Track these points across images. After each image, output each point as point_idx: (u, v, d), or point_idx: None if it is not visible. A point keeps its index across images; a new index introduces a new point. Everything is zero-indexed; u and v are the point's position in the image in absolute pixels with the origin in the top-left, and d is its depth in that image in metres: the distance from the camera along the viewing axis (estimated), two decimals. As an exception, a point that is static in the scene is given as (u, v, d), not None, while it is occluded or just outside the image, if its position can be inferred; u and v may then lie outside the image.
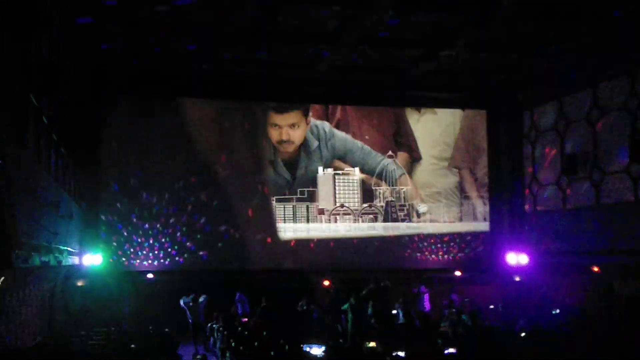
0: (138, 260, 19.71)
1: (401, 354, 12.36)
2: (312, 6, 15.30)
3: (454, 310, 17.38)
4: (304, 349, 12.81)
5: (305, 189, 21.11)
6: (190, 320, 17.61)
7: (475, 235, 22.09)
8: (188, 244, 20.12)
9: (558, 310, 17.71)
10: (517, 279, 21.09)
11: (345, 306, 17.10)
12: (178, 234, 20.04)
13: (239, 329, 16.15)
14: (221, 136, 20.67)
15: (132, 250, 19.71)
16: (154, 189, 19.95)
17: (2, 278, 8.32)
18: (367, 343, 13.63)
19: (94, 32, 16.22)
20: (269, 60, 18.89)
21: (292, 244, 20.92)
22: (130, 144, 19.89)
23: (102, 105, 19.55)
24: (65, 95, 12.91)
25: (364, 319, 16.87)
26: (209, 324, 17.53)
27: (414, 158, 22.06)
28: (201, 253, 20.20)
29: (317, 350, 12.80)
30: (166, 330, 15.65)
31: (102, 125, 19.55)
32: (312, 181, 21.17)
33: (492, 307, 18.94)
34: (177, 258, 20.02)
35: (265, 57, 18.55)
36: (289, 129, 20.96)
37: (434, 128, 22.28)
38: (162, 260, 19.87)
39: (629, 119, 16.91)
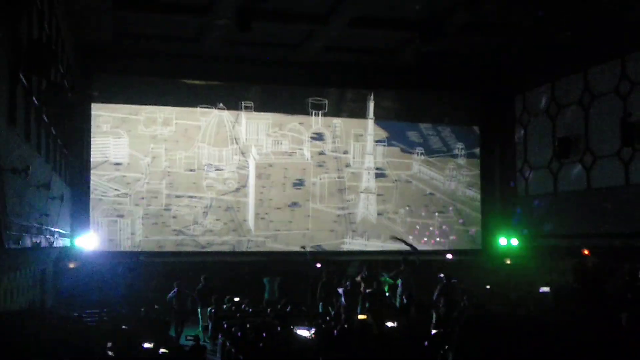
0: (129, 242, 19.72)
1: (392, 324, 12.52)
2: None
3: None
4: (295, 330, 12.87)
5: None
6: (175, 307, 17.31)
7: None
8: (180, 224, 20.11)
9: (547, 289, 17.87)
10: (508, 261, 21.20)
11: (340, 290, 17.17)
12: (170, 215, 20.02)
13: (232, 309, 16.21)
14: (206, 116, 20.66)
15: (123, 231, 19.70)
16: (145, 170, 19.91)
17: (-7, 259, 8.31)
18: (358, 316, 13.74)
19: (84, 12, 16.13)
20: (259, 40, 18.81)
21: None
22: (120, 124, 19.82)
23: (92, 86, 19.49)
24: (56, 75, 12.84)
25: (357, 301, 17.00)
26: (209, 308, 17.44)
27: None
28: (191, 234, 20.22)
29: (306, 332, 12.86)
30: (157, 308, 15.68)
31: (92, 105, 19.50)
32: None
33: (488, 287, 19.11)
34: (168, 240, 20.02)
35: (255, 38, 18.44)
36: None
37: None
38: (153, 242, 19.88)
39: (620, 103, 16.95)
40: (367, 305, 16.19)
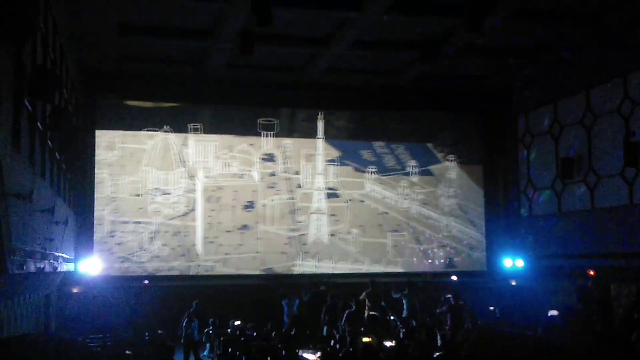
0: (134, 266, 19.67)
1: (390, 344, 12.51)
2: (305, 9, 15.38)
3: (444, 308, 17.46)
4: (300, 354, 12.80)
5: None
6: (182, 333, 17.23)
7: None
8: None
9: (556, 312, 17.75)
10: (514, 283, 21.10)
11: (345, 313, 17.14)
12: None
13: (237, 333, 16.13)
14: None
15: (127, 256, 19.67)
16: (150, 194, 19.92)
17: (-3, 284, 8.29)
18: (362, 338, 13.68)
19: (88, 37, 16.26)
20: (261, 64, 18.90)
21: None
22: (125, 149, 19.87)
23: (96, 110, 19.59)
24: (60, 100, 12.90)
25: (362, 323, 16.96)
26: (206, 330, 17.44)
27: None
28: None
29: (312, 356, 12.78)
30: (160, 333, 15.61)
31: (96, 130, 19.58)
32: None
33: (491, 308, 19.00)
34: (173, 264, 19.96)
35: (257, 61, 18.53)
36: None
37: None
38: (158, 266, 19.83)
39: (623, 123, 16.96)
40: (370, 327, 16.12)
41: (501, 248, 21.70)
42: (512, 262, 21.03)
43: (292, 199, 21.11)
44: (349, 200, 21.55)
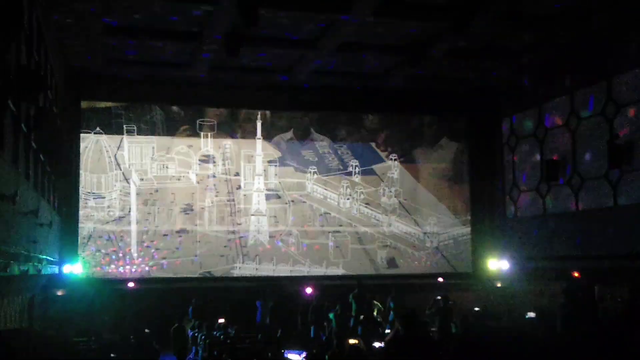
0: (118, 269, 19.56)
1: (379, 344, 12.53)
2: (291, 12, 15.36)
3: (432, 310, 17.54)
4: (285, 354, 12.79)
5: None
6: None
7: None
8: (166, 251, 19.89)
9: (533, 315, 17.86)
10: (499, 284, 21.18)
11: (331, 315, 17.17)
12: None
13: (221, 336, 16.09)
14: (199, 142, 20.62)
15: (112, 258, 19.55)
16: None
17: (-20, 286, 8.21)
18: (348, 340, 13.70)
19: (73, 39, 16.16)
20: (248, 65, 18.87)
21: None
22: (110, 151, 19.73)
23: (81, 113, 19.46)
24: (44, 101, 12.82)
25: (348, 326, 17.00)
26: (192, 332, 17.40)
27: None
28: (179, 260, 19.96)
29: (297, 357, 12.78)
30: (146, 336, 15.54)
31: (81, 132, 19.45)
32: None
33: (477, 309, 19.09)
34: (157, 266, 19.87)
35: (244, 63, 18.51)
36: None
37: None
38: (142, 269, 19.72)
39: (607, 125, 17.07)
40: (359, 330, 16.16)
41: (486, 250, 21.78)
42: (497, 264, 21.12)
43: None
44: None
